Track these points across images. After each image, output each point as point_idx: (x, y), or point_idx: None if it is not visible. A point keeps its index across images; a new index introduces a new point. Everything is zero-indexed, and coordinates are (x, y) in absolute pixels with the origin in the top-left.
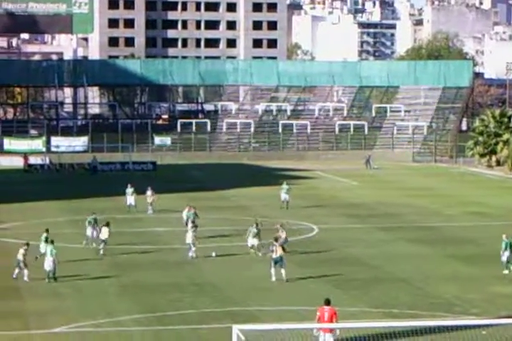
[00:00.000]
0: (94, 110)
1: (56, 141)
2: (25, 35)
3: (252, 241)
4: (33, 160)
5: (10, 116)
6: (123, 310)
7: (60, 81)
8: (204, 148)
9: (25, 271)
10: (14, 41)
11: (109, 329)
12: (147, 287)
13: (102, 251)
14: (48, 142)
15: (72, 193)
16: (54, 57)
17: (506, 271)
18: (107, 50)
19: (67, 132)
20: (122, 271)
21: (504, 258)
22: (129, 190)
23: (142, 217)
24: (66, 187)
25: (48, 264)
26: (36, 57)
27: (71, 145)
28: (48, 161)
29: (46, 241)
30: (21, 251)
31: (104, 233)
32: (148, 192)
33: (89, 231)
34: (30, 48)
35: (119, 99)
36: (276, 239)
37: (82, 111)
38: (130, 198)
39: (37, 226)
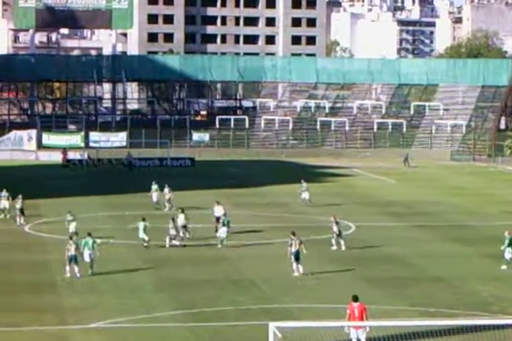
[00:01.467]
0: (133, 106)
1: (95, 136)
2: (64, 30)
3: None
4: (71, 155)
5: (49, 111)
6: (160, 306)
7: (99, 76)
8: (242, 144)
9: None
10: (54, 36)
11: (147, 325)
12: (184, 283)
13: (187, 235)
14: (86, 137)
15: (110, 188)
16: (93, 52)
17: (504, 267)
18: (146, 46)
19: (105, 127)
20: (159, 267)
21: (507, 255)
22: (154, 186)
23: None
24: (104, 183)
25: (87, 256)
26: (75, 53)
27: (109, 140)
28: (86, 156)
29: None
30: (72, 246)
31: (181, 219)
32: (166, 190)
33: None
34: (69, 43)
35: (157, 94)
36: (293, 234)
37: (120, 107)
38: (155, 195)
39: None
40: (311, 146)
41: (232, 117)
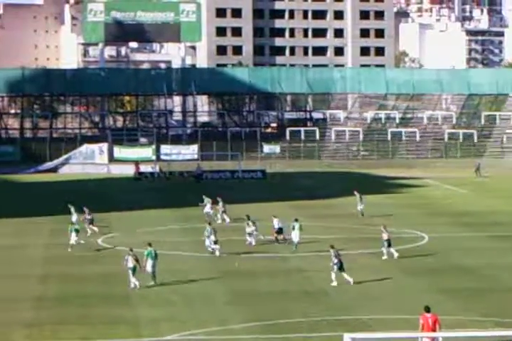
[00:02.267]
0: (203, 118)
1: (166, 149)
2: (133, 44)
3: None
4: (142, 168)
5: (119, 124)
6: (234, 318)
7: (169, 89)
8: (313, 156)
9: (133, 279)
10: (123, 50)
11: (221, 337)
12: (257, 295)
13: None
14: (157, 150)
15: (181, 201)
16: (162, 65)
17: None
18: (215, 59)
19: (176, 140)
20: (232, 279)
21: None
22: (206, 199)
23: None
24: (175, 195)
25: (149, 266)
26: (145, 66)
27: (180, 153)
28: (157, 169)
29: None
30: (130, 258)
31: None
32: (220, 203)
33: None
34: (138, 57)
35: (227, 107)
36: (332, 246)
37: (191, 120)
38: (208, 207)
39: (146, 235)
40: (382, 157)
41: (303, 129)
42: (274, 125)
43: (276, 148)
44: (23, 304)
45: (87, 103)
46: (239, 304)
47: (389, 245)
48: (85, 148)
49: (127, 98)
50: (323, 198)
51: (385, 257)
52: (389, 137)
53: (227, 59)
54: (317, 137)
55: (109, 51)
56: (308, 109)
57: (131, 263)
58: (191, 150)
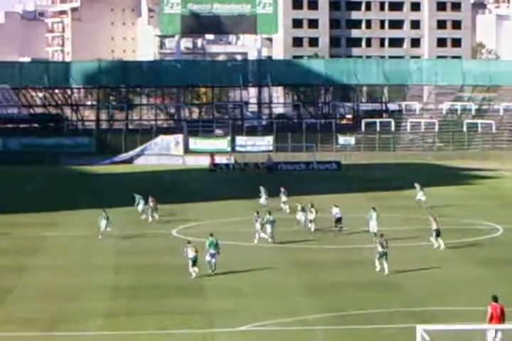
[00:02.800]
0: (279, 110)
1: (241, 140)
2: (210, 36)
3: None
4: (218, 159)
5: (195, 116)
6: (307, 309)
7: (245, 81)
8: (388, 147)
9: (194, 269)
10: (199, 42)
11: (294, 328)
12: (330, 286)
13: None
14: (232, 141)
15: (256, 192)
16: (238, 57)
17: None
18: (291, 50)
19: (251, 132)
20: (305, 270)
21: None
22: (262, 190)
23: (326, 217)
24: (250, 186)
25: (209, 255)
26: (221, 58)
27: (255, 144)
28: (232, 161)
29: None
30: (189, 249)
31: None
32: (281, 194)
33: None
34: (215, 49)
35: (303, 98)
36: (381, 235)
37: (266, 111)
38: (263, 198)
39: (222, 225)
40: (458, 149)
41: (378, 120)
42: (349, 116)
43: (351, 140)
44: (99, 294)
45: (163, 94)
46: (312, 295)
47: (437, 235)
48: (161, 139)
49: (203, 90)
50: (397, 189)
51: (436, 246)
52: (464, 129)
53: (303, 51)
54: (392, 128)
55: (186, 43)
56: (383, 100)
57: (191, 254)
58: (266, 142)
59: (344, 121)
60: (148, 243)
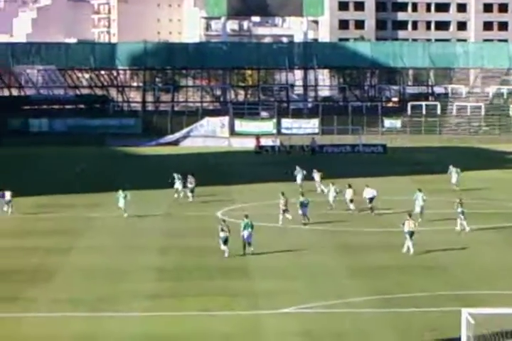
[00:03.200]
0: (325, 92)
1: (287, 123)
2: (256, 18)
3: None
4: (263, 142)
5: (241, 98)
6: (352, 292)
7: (291, 63)
8: (434, 131)
9: (225, 247)
10: (245, 24)
11: (339, 310)
12: (376, 269)
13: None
14: (278, 124)
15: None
16: (284, 39)
17: None
18: (337, 33)
19: (297, 114)
20: (350, 253)
21: None
22: (298, 170)
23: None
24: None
25: (246, 234)
26: (267, 40)
27: (301, 127)
28: (278, 143)
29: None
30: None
31: (349, 193)
32: (314, 175)
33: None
34: (260, 31)
35: (348, 81)
36: (410, 215)
37: (312, 94)
38: (299, 178)
39: (266, 208)
40: (504, 132)
41: (424, 103)
42: (395, 99)
43: (397, 123)
44: (144, 275)
45: (209, 76)
46: (356, 277)
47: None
48: (206, 121)
49: (249, 72)
50: (443, 173)
51: (457, 228)
52: (511, 112)
53: (350, 33)
54: (438, 112)
55: (232, 25)
56: (430, 83)
57: (222, 234)
58: (312, 124)
59: (390, 104)
60: (193, 224)
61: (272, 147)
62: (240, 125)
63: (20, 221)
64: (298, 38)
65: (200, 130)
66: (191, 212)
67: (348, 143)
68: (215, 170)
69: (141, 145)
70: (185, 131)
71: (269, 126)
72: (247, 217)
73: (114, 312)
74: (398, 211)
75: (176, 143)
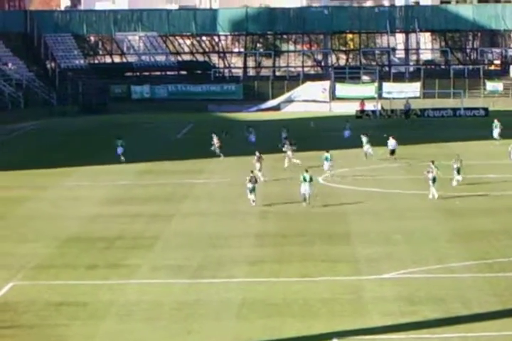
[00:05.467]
0: (426, 56)
1: (388, 87)
2: None
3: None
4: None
5: (342, 62)
6: (454, 257)
7: (392, 27)
8: None
9: (251, 196)
10: None
11: (440, 275)
12: (478, 234)
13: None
14: (379, 88)
15: (401, 139)
16: (386, 3)
17: None
18: None
19: (398, 78)
20: (454, 218)
21: None
22: (364, 139)
23: (473, 164)
24: (396, 133)
25: (304, 189)
26: (368, 4)
27: (403, 91)
28: (379, 107)
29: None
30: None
31: None
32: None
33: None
34: None
35: (450, 44)
36: (433, 162)
37: (413, 57)
38: (366, 147)
39: (368, 172)
40: None
41: None
42: (497, 62)
43: (499, 86)
44: (245, 241)
45: (310, 41)
46: (459, 242)
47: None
48: (308, 86)
49: (350, 36)
50: None
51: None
52: None
53: None
54: None
55: None
56: None
57: (249, 184)
58: (413, 88)
59: (492, 67)
60: (294, 189)
61: (373, 111)
62: (341, 89)
63: (125, 187)
64: (399, 2)
65: (301, 95)
66: (292, 177)
67: (450, 107)
68: (316, 134)
69: (243, 111)
70: (286, 96)
71: (370, 90)
72: (307, 171)
73: (214, 279)
74: (500, 175)
75: (277, 108)
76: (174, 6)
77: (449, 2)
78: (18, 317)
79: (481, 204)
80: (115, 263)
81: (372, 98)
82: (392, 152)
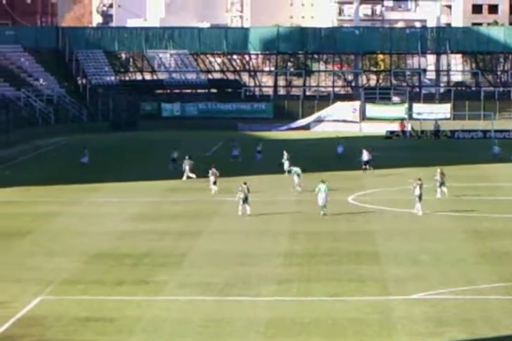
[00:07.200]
0: (457, 77)
1: (418, 107)
2: (389, 3)
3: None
4: (393, 127)
5: (372, 83)
6: (482, 279)
7: (423, 48)
8: None
9: (247, 207)
10: (378, 8)
11: (468, 297)
12: (506, 255)
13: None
14: (410, 109)
15: (431, 160)
16: (417, 24)
17: None
18: (470, 17)
19: (429, 99)
20: (482, 240)
21: None
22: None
23: (502, 186)
24: (425, 154)
25: (321, 198)
26: (399, 25)
27: (433, 112)
28: (409, 128)
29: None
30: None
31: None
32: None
33: None
34: (393, 16)
35: (481, 66)
36: (419, 179)
37: (444, 79)
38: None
39: (396, 193)
40: None
41: None
42: None
43: None
44: (272, 260)
45: (341, 61)
46: (487, 264)
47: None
48: (338, 106)
49: (381, 56)
50: None
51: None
52: None
53: (483, 18)
54: None
55: (364, 10)
56: None
57: (242, 195)
58: (444, 110)
59: None
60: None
61: (403, 132)
62: (371, 110)
63: (153, 204)
64: (430, 23)
65: (331, 115)
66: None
67: (480, 129)
68: (345, 154)
69: (272, 129)
70: (316, 115)
71: (400, 110)
72: (323, 182)
73: (242, 297)
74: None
75: (307, 127)
76: (206, 25)
77: (481, 24)
78: (45, 331)
79: (509, 226)
80: (143, 280)
81: (403, 119)
82: (366, 163)
